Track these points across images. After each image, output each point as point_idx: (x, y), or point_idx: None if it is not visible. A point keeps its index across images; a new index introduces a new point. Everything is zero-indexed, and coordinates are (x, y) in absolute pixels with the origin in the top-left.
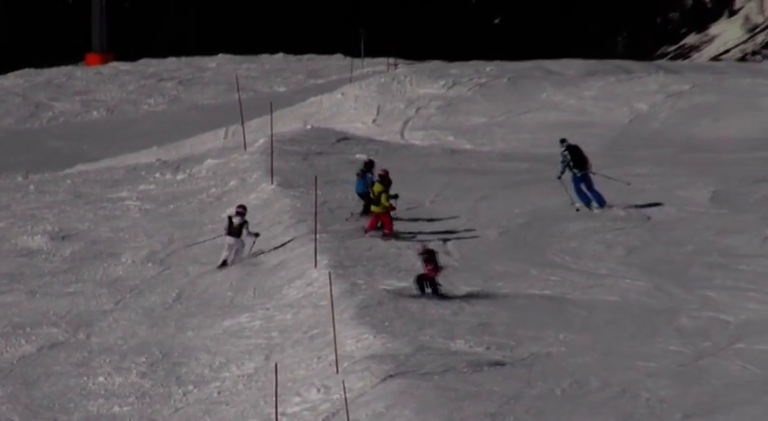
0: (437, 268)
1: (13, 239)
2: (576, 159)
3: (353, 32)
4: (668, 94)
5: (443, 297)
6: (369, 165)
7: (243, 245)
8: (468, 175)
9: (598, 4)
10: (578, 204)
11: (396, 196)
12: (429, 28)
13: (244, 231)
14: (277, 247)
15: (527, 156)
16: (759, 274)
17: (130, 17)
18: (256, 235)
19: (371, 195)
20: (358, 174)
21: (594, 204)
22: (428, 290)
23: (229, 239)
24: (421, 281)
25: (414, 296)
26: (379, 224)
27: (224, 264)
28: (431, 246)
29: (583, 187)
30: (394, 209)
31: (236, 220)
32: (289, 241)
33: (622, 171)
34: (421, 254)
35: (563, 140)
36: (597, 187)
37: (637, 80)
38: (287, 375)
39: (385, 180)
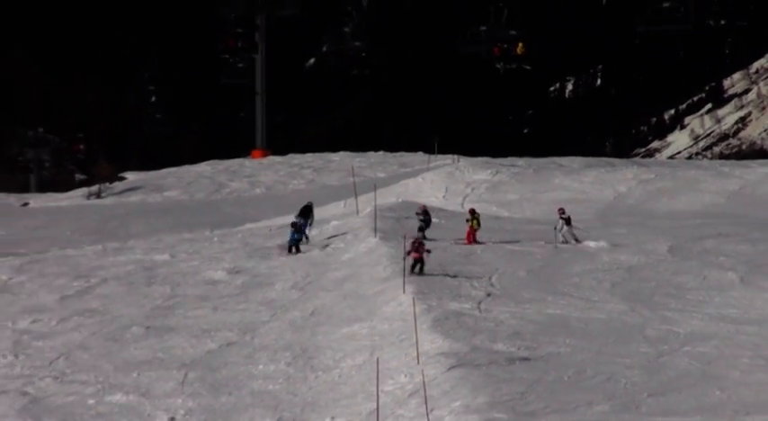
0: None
1: (203, 273)
2: (303, 213)
3: (430, 138)
4: (639, 181)
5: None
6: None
7: None
8: (505, 233)
9: (593, 121)
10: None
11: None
12: (481, 135)
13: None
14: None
15: (545, 221)
16: (699, 301)
17: (282, 126)
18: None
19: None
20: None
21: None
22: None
23: None
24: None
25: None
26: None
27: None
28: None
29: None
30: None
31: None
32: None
33: (608, 232)
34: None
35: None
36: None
37: (619, 171)
38: (384, 365)
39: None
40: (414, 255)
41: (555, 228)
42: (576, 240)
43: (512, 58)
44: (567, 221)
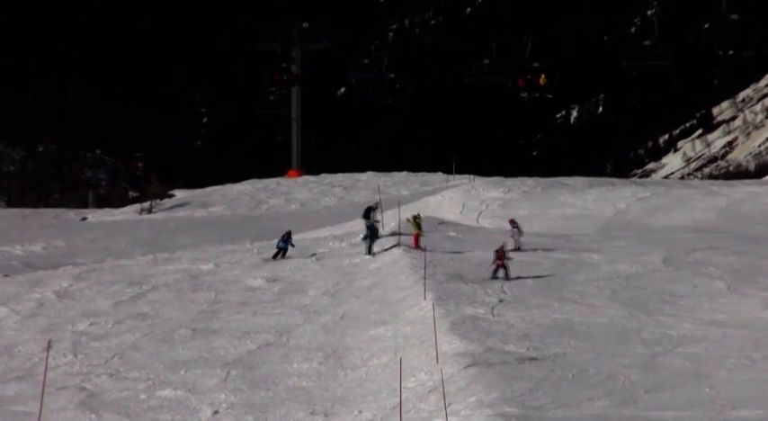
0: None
1: (244, 281)
2: (366, 214)
3: (448, 160)
4: (637, 199)
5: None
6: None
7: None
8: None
9: (595, 145)
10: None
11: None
12: (494, 157)
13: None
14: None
15: (551, 235)
16: (690, 307)
17: (315, 148)
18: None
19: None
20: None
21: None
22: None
23: None
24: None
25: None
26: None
27: None
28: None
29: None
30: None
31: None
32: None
33: (609, 245)
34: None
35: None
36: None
37: (618, 190)
38: (407, 364)
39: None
40: (497, 263)
41: (512, 237)
42: (519, 248)
43: (535, 88)
44: (519, 231)
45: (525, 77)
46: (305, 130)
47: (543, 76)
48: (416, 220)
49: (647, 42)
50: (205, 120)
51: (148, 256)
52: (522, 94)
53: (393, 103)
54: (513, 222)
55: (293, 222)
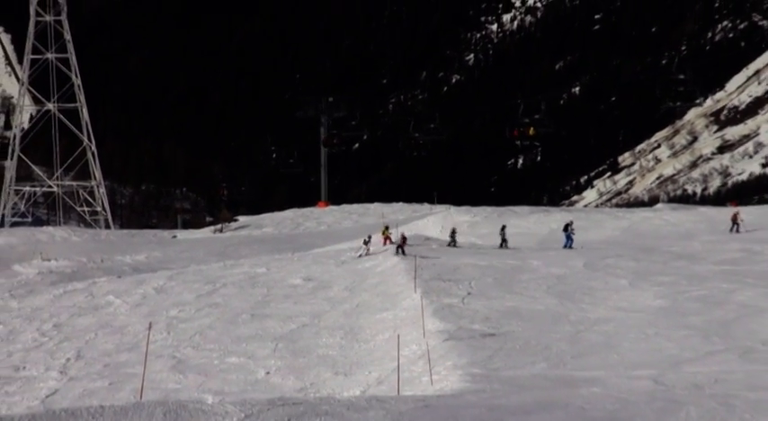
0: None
1: (287, 280)
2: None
3: (431, 194)
4: (565, 222)
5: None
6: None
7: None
8: (482, 256)
9: (535, 183)
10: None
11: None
12: (464, 192)
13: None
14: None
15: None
16: (603, 298)
17: (338, 186)
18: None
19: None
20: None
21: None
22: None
23: None
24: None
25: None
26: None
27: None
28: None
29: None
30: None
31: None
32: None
33: (545, 254)
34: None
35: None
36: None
37: (552, 214)
38: (402, 339)
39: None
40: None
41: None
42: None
43: (525, 137)
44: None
45: (519, 129)
46: (330, 174)
47: (532, 128)
48: (385, 231)
49: (537, 116)
50: (274, 155)
51: (220, 263)
52: (516, 142)
53: (417, 155)
54: (369, 237)
55: (323, 238)
